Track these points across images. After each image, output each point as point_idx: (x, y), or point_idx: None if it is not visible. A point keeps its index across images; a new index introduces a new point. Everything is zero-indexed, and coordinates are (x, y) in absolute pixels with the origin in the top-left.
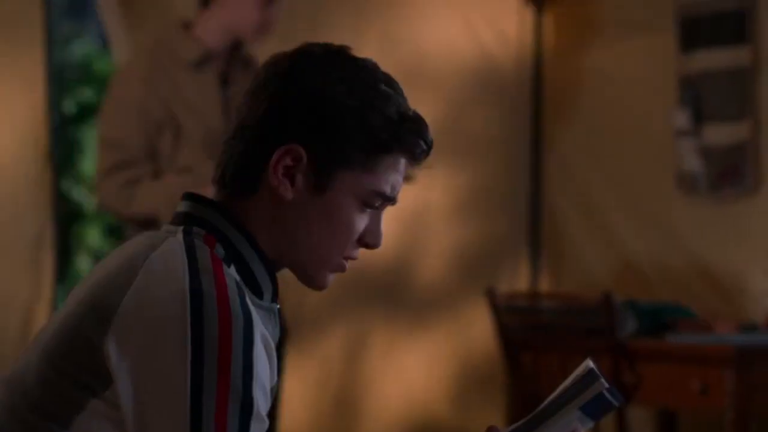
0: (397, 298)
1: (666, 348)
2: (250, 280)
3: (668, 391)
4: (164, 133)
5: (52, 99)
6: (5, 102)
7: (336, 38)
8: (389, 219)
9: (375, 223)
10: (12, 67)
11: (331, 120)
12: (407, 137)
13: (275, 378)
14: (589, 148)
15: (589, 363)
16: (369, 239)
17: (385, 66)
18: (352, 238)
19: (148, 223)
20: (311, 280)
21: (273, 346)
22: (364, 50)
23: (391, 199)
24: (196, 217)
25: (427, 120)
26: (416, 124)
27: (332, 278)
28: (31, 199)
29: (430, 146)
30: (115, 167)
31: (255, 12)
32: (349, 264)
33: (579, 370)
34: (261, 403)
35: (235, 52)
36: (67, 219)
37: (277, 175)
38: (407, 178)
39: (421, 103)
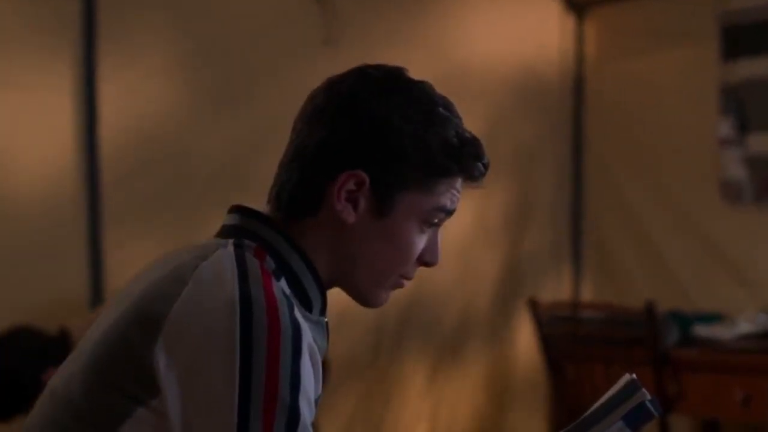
0: (438, 324)
1: (708, 358)
2: (301, 294)
3: (711, 401)
4: None
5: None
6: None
7: (384, 48)
8: None
9: (433, 241)
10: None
11: (392, 145)
12: (466, 160)
13: (320, 389)
14: (631, 157)
15: (630, 375)
16: (428, 258)
17: (431, 77)
18: (412, 258)
19: None
20: (368, 299)
21: (319, 357)
22: (410, 61)
23: (450, 212)
24: (247, 230)
25: (473, 132)
26: (474, 147)
27: (388, 297)
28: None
29: (487, 168)
30: None
31: None
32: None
33: (620, 382)
34: (306, 414)
35: None
36: None
37: (341, 199)
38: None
39: (465, 114)
